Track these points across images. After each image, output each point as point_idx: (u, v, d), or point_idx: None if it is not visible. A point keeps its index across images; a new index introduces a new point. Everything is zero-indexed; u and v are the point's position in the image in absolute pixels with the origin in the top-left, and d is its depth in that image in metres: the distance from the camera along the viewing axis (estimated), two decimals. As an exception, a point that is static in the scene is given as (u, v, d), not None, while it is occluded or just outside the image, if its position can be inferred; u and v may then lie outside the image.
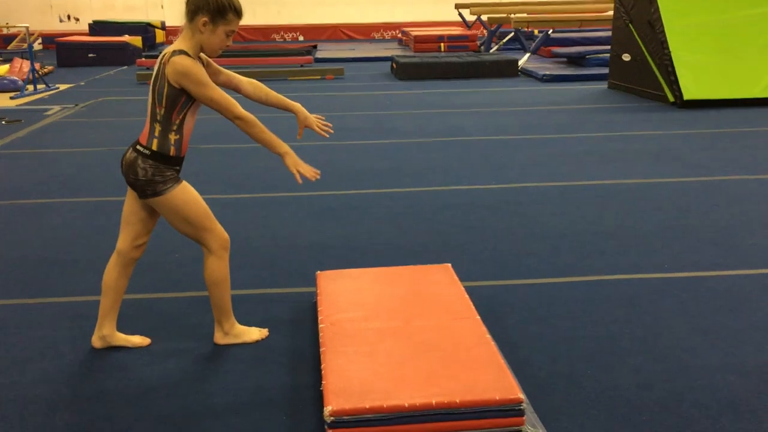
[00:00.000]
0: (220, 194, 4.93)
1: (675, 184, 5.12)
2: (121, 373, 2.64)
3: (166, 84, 2.54)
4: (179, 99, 2.56)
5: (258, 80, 2.86)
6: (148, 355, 2.78)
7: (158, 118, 2.59)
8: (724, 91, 8.25)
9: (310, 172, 2.65)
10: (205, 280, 2.76)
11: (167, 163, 2.61)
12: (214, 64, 2.74)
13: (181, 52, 2.54)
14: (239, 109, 2.59)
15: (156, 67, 2.58)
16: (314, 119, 2.82)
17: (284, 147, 2.64)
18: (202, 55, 2.65)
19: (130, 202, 2.73)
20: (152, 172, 2.59)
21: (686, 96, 8.19)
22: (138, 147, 2.62)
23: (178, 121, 2.60)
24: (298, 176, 2.65)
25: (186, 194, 2.65)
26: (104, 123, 8.07)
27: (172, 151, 2.61)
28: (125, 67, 14.24)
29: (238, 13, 2.59)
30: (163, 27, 19.03)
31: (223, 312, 2.81)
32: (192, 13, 2.56)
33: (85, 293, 3.34)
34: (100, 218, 4.51)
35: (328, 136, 2.87)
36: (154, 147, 2.59)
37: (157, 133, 2.59)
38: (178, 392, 2.51)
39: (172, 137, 2.60)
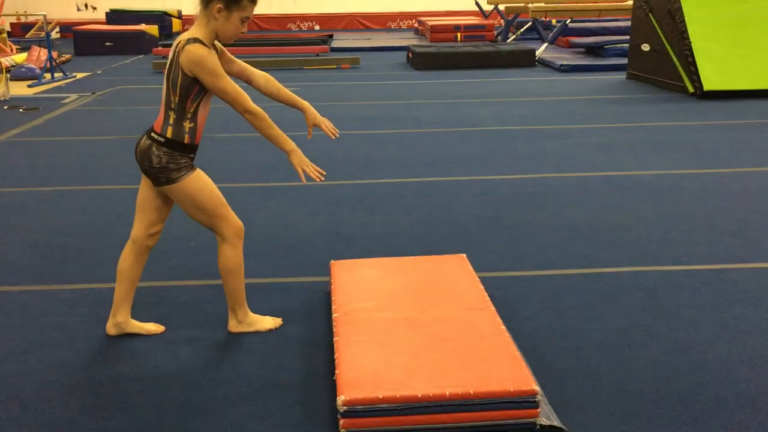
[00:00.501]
0: (235, 183, 4.93)
1: (694, 175, 5.06)
2: (135, 360, 2.65)
3: (180, 72, 2.53)
4: (193, 87, 2.55)
5: (273, 69, 2.85)
6: (162, 342, 2.78)
7: (173, 106, 2.58)
8: (744, 82, 8.14)
9: (314, 172, 2.65)
10: (219, 268, 2.76)
11: (181, 151, 2.61)
12: (228, 53, 2.73)
13: (196, 40, 2.52)
14: (249, 103, 2.58)
15: (170, 55, 2.57)
16: (323, 119, 2.81)
17: (291, 144, 2.64)
18: (217, 43, 2.64)
19: (144, 190, 2.73)
20: (166, 160, 2.59)
21: (706, 87, 8.08)
22: (152, 134, 2.61)
23: (192, 109, 2.59)
24: (302, 175, 2.65)
25: (200, 182, 2.65)
26: (121, 111, 8.10)
27: (187, 139, 2.60)
28: (142, 55, 14.28)
29: None
30: (179, 16, 19.05)
31: (236, 300, 2.81)
32: (207, 1, 2.54)
33: (102, 280, 3.35)
34: (117, 206, 4.52)
35: (334, 138, 2.87)
36: (169, 134, 2.58)
37: (171, 121, 2.58)
38: (192, 380, 2.51)
39: (187, 125, 2.59)
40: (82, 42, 14.61)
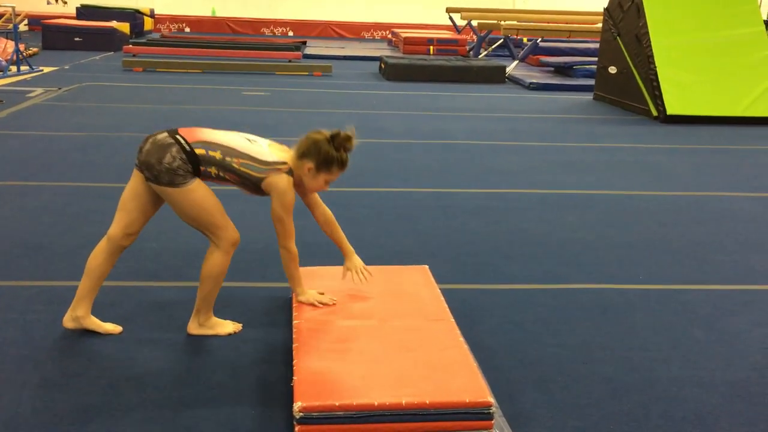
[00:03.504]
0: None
1: (654, 197, 5.17)
2: (91, 360, 2.62)
3: (258, 180, 2.65)
4: (249, 188, 2.72)
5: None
6: (119, 343, 2.76)
7: (225, 164, 2.64)
8: (707, 108, 8.36)
9: (326, 299, 2.85)
10: (202, 270, 2.75)
11: (193, 168, 2.63)
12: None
13: (289, 172, 2.67)
14: (292, 243, 2.76)
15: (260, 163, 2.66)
16: (358, 264, 2.99)
17: (302, 288, 2.85)
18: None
19: (133, 189, 2.71)
20: (178, 165, 2.60)
21: (669, 111, 8.28)
22: (179, 137, 2.61)
23: (228, 178, 2.69)
24: (317, 305, 2.83)
25: (202, 190, 2.67)
26: (87, 108, 7.99)
27: (203, 168, 2.65)
28: (111, 53, 14.12)
29: (343, 166, 2.73)
30: (151, 14, 18.90)
31: (206, 303, 2.80)
32: (301, 154, 2.69)
33: (60, 278, 3.31)
34: (79, 203, 4.46)
35: (361, 283, 3.00)
36: (198, 152, 2.62)
37: (211, 153, 2.63)
38: (148, 382, 2.49)
39: (213, 170, 2.65)
40: (51, 36, 14.41)
